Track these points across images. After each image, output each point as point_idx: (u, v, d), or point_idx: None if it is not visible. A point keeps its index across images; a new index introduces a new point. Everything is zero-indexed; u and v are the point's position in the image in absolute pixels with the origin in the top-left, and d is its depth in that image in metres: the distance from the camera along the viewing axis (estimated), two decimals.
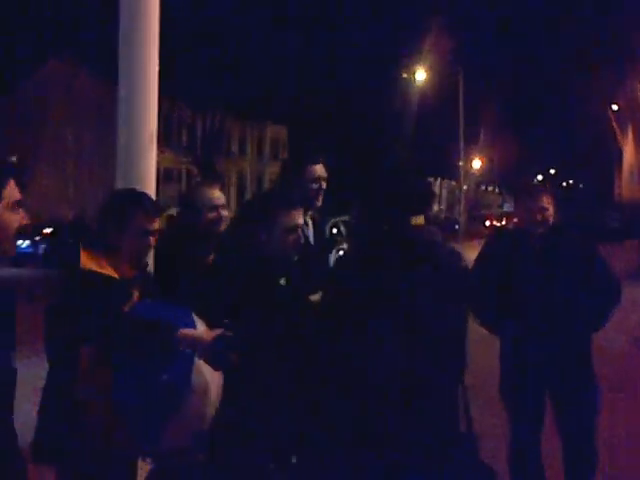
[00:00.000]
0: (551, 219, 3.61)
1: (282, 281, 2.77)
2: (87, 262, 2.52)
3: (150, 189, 3.15)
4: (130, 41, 3.22)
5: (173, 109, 31.49)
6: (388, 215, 2.25)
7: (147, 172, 3.22)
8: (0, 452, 1.99)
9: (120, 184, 3.12)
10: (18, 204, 2.12)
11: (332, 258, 3.98)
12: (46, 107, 37.06)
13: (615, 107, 45.85)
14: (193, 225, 3.17)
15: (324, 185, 3.59)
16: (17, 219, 2.11)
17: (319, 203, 3.59)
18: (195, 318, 2.41)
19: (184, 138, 38.09)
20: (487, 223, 41.56)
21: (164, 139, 35.00)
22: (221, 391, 2.41)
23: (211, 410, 2.37)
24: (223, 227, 3.23)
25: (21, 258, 19.25)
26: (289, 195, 2.86)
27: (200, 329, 2.35)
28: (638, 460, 4.61)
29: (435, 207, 70.56)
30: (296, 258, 2.78)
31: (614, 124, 47.53)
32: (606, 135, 49.02)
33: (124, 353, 2.32)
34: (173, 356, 2.27)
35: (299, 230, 2.75)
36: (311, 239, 3.54)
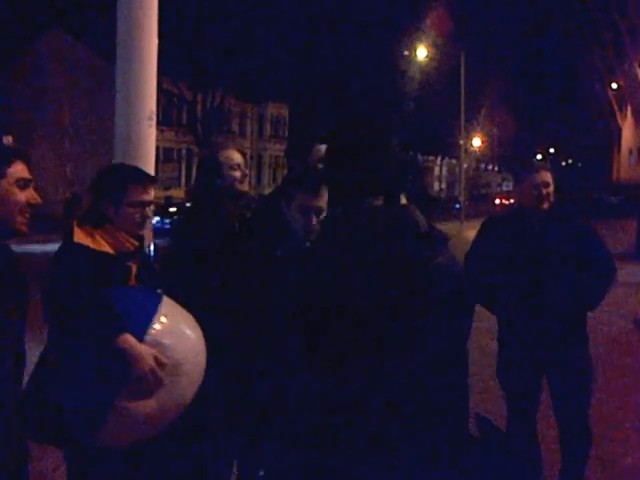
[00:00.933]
0: (552, 196, 3.56)
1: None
2: (81, 238, 2.50)
3: (149, 169, 3.17)
4: (129, 18, 3.19)
5: (173, 88, 31.39)
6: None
7: (146, 152, 3.24)
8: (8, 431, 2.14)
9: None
10: (26, 183, 2.22)
11: None
12: (43, 84, 36.81)
13: (615, 86, 45.68)
14: (217, 185, 3.25)
15: None
16: (25, 197, 2.20)
17: None
18: (163, 308, 2.38)
19: (184, 117, 37.99)
20: (497, 201, 41.28)
21: (164, 118, 34.91)
22: (200, 372, 2.39)
23: (183, 396, 2.34)
24: (245, 184, 3.36)
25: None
26: (309, 176, 2.92)
27: (144, 346, 2.27)
28: (636, 440, 4.64)
29: (436, 186, 70.44)
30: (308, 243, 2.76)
31: (613, 103, 47.41)
32: (606, 114, 48.91)
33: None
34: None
35: (313, 212, 2.74)
36: None
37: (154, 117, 3.29)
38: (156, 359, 2.24)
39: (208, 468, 3.13)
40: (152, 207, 2.74)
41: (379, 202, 1.92)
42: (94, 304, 2.27)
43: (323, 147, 3.42)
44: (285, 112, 48.43)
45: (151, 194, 2.70)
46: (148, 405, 2.24)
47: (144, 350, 2.24)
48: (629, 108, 46.23)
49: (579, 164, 68.59)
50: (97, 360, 2.24)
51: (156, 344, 2.27)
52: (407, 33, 36.34)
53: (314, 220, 2.75)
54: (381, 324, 1.79)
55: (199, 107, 34.24)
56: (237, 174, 3.29)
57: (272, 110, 47.95)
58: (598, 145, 52.16)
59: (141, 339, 2.26)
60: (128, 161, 3.09)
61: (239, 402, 2.70)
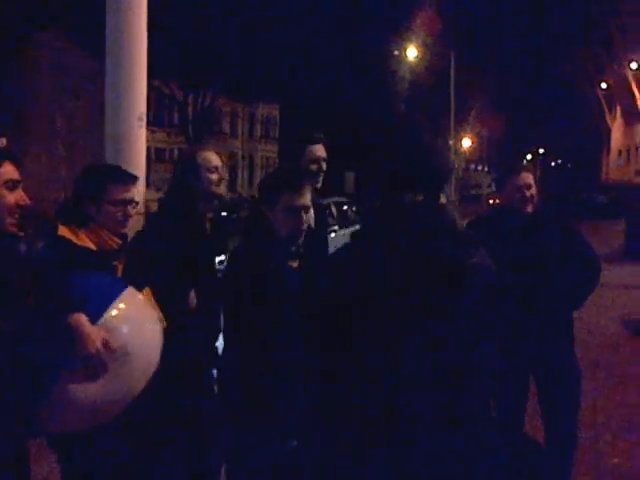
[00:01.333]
0: (536, 197, 3.54)
1: (294, 264, 2.74)
2: (65, 233, 2.54)
3: (140, 170, 3.20)
4: (118, 19, 3.19)
5: (164, 88, 31.37)
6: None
7: (137, 152, 3.26)
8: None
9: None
10: (15, 184, 2.23)
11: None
12: (34, 84, 36.70)
13: (604, 86, 45.95)
14: (192, 186, 3.20)
15: (324, 166, 3.53)
16: (14, 198, 2.21)
17: (319, 184, 3.54)
18: (124, 296, 2.37)
19: (175, 118, 37.95)
20: (491, 202, 41.41)
21: (155, 119, 34.89)
22: (154, 361, 2.38)
23: (129, 386, 2.31)
24: (222, 188, 3.30)
25: None
26: (291, 175, 2.85)
27: (94, 327, 2.25)
28: (624, 441, 4.64)
29: None
30: (300, 241, 2.74)
31: (603, 103, 47.71)
32: (595, 114, 49.21)
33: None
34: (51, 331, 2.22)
35: (302, 211, 2.71)
36: (312, 222, 3.44)
37: (144, 118, 3.31)
38: (105, 342, 2.22)
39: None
40: (135, 205, 2.77)
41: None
42: (53, 283, 2.27)
43: (315, 147, 3.50)
44: (276, 112, 48.46)
45: (133, 192, 2.74)
46: (91, 390, 2.21)
47: (93, 331, 2.22)
48: (618, 108, 46.54)
49: (569, 164, 68.94)
50: (45, 338, 2.22)
51: (108, 329, 2.25)
52: (397, 33, 36.44)
53: (304, 219, 2.72)
54: (414, 322, 1.77)
55: (190, 107, 34.22)
56: (214, 177, 3.24)
57: (263, 110, 47.96)
58: (588, 145, 52.47)
59: (94, 321, 2.24)
60: (119, 162, 3.09)
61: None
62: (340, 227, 12.69)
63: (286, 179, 2.76)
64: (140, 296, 2.48)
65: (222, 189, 3.30)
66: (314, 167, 3.47)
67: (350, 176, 47.76)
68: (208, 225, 3.28)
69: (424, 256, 1.80)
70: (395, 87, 39.53)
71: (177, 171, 3.36)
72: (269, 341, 2.53)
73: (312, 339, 1.88)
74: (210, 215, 3.31)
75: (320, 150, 3.53)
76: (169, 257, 3.01)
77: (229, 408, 2.67)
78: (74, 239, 2.53)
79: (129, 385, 2.29)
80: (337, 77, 40.20)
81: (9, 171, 2.23)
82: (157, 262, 2.95)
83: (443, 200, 1.97)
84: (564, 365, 3.53)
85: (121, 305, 2.34)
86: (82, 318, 2.22)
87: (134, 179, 2.79)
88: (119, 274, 2.65)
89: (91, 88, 31.75)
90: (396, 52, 35.82)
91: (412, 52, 34.12)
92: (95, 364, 2.20)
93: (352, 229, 10.50)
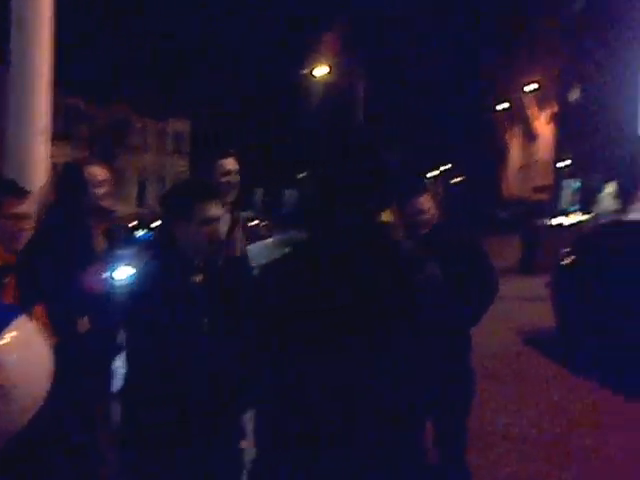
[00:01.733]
0: (434, 219, 3.52)
1: (197, 278, 2.65)
2: None
3: (41, 183, 3.21)
4: (23, 34, 3.18)
5: (72, 102, 30.65)
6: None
7: (38, 167, 3.25)
8: None
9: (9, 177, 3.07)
10: None
11: None
12: None
13: (505, 105, 48.14)
14: (80, 201, 3.20)
15: (235, 179, 3.57)
16: None
17: (231, 197, 3.57)
18: (15, 324, 2.18)
19: (84, 132, 37.03)
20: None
21: (64, 132, 33.85)
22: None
23: (11, 421, 2.12)
24: (110, 201, 3.30)
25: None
26: (202, 187, 2.80)
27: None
28: (519, 451, 4.76)
29: None
30: (213, 252, 2.71)
31: (502, 123, 49.99)
32: (495, 133, 51.44)
33: None
34: None
35: (215, 223, 2.65)
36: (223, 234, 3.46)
37: (47, 132, 3.28)
38: None
39: None
40: (29, 220, 2.72)
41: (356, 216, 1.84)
42: None
43: (226, 161, 3.56)
44: (187, 128, 48.00)
45: (28, 207, 2.69)
46: None
47: None
48: (516, 128, 48.93)
49: (471, 180, 71.36)
50: None
51: None
52: (304, 52, 37.06)
53: (216, 230, 2.69)
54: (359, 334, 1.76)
55: (99, 122, 33.53)
56: (101, 191, 3.25)
57: (174, 126, 47.42)
58: (488, 161, 54.55)
59: None
60: (20, 176, 3.09)
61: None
62: (248, 242, 12.69)
63: (196, 190, 2.70)
64: (30, 324, 2.29)
65: (110, 202, 3.31)
66: (225, 180, 3.51)
67: (259, 191, 47.83)
68: (102, 238, 3.31)
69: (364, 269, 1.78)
70: (304, 104, 40.09)
71: (61, 186, 3.30)
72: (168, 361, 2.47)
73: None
74: (103, 227, 3.33)
75: (231, 164, 3.58)
76: (58, 272, 2.96)
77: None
78: None
79: (14, 419, 2.12)
80: (247, 93, 40.37)
81: None
82: (46, 278, 2.89)
83: (386, 218, 1.94)
84: (457, 381, 3.45)
85: (12, 333, 2.15)
86: None
87: (28, 193, 2.76)
88: (10, 291, 2.57)
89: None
90: (304, 71, 36.34)
91: (320, 71, 34.70)
92: None
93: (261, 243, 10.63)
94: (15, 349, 2.14)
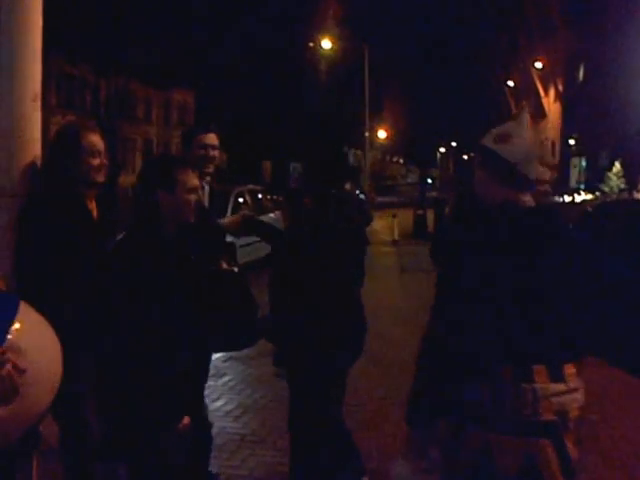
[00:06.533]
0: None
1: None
2: None
3: (34, 152, 3.07)
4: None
5: (75, 71, 30.55)
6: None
7: (31, 135, 3.09)
8: None
9: (1, 148, 2.98)
10: None
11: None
12: None
13: (511, 83, 47.81)
14: (70, 169, 3.02)
15: (213, 153, 3.66)
16: None
17: (208, 169, 3.68)
18: (19, 314, 2.24)
19: (87, 101, 36.98)
20: None
21: (66, 103, 33.83)
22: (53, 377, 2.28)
23: (37, 404, 2.23)
24: (102, 175, 3.08)
25: None
26: (180, 159, 2.92)
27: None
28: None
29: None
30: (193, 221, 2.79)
31: (510, 99, 49.68)
32: (503, 111, 51.16)
33: None
34: None
35: (197, 192, 2.79)
36: (205, 204, 3.61)
37: (38, 99, 3.13)
38: (14, 365, 2.10)
39: None
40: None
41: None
42: None
43: (206, 136, 3.63)
44: (192, 99, 47.88)
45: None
46: (4, 410, 2.09)
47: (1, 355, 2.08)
48: (525, 105, 48.58)
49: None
50: None
51: (14, 350, 2.13)
52: (311, 24, 36.79)
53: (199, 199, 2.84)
54: None
55: (103, 92, 33.46)
56: (96, 162, 3.04)
57: (178, 97, 47.32)
58: None
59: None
60: (12, 145, 3.00)
61: None
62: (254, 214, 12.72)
63: (176, 162, 2.82)
64: (31, 308, 2.33)
65: (102, 176, 3.08)
66: (201, 152, 3.61)
67: (267, 165, 47.86)
68: (94, 208, 3.15)
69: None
70: (310, 78, 39.88)
71: (55, 151, 3.10)
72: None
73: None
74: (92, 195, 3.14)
75: (210, 138, 3.66)
76: (54, 246, 2.90)
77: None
78: None
79: (38, 404, 2.23)
80: (253, 66, 40.14)
81: None
82: (40, 252, 2.88)
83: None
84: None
85: (20, 322, 2.21)
86: None
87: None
88: None
89: None
90: (310, 44, 36.13)
91: (327, 44, 34.50)
92: (7, 388, 2.08)
93: (266, 217, 10.68)
94: (30, 334, 2.22)
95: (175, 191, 2.69)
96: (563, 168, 38.19)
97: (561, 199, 20.33)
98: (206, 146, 3.65)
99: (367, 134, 37.36)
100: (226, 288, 3.17)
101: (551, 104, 45.06)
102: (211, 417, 4.46)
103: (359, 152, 63.82)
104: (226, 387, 5.61)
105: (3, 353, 2.08)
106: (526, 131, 2.26)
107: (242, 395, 5.40)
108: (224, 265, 3.27)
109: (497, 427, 2.13)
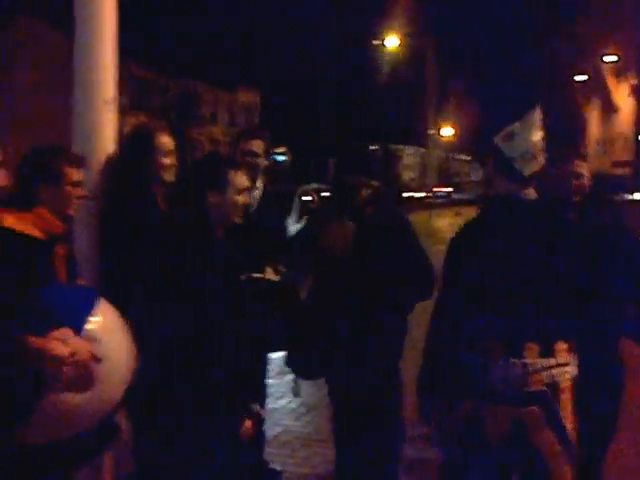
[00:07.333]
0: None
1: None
2: (7, 220, 2.43)
3: (109, 155, 3.14)
4: (86, 3, 3.16)
5: (144, 74, 31.35)
6: None
7: (106, 136, 3.18)
8: None
9: (78, 150, 3.04)
10: None
11: (297, 226, 4.21)
12: (15, 71, 36.34)
13: (582, 77, 46.39)
14: (143, 167, 3.08)
15: (255, 160, 3.65)
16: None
17: (255, 175, 3.61)
18: (98, 306, 2.31)
19: (155, 103, 37.86)
20: None
21: (136, 104, 34.74)
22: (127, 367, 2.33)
23: (113, 394, 2.28)
24: (171, 175, 3.13)
25: None
26: (231, 159, 2.96)
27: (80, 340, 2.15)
28: None
29: (405, 175, 70.77)
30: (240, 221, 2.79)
31: (579, 95, 48.20)
32: (572, 106, 49.69)
33: None
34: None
35: (247, 193, 2.77)
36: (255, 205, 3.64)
37: (113, 102, 3.23)
38: (92, 354, 2.14)
39: None
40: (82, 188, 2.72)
41: None
42: (25, 303, 2.14)
43: (253, 142, 3.68)
44: (257, 99, 48.35)
45: (81, 174, 2.69)
46: (77, 401, 2.15)
47: (81, 344, 2.13)
48: (594, 100, 47.10)
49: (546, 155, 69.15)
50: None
51: (91, 340, 2.19)
52: (376, 22, 36.59)
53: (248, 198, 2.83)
54: None
55: (171, 93, 34.21)
56: (167, 161, 3.12)
57: (244, 97, 47.85)
58: (563, 136, 52.89)
59: (77, 334, 2.15)
60: (87, 146, 3.09)
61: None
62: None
63: (227, 162, 2.84)
64: (108, 303, 2.39)
65: (171, 175, 3.15)
66: (246, 159, 3.60)
67: (332, 163, 47.85)
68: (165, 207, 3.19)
69: None
70: (375, 76, 39.72)
71: (129, 151, 3.18)
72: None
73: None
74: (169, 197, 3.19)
75: (254, 145, 3.68)
76: (133, 245, 2.92)
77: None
78: (19, 227, 2.45)
79: (112, 394, 2.29)
80: (319, 65, 40.26)
81: None
82: (119, 252, 2.93)
83: None
84: None
85: (99, 314, 2.28)
86: (69, 332, 2.11)
87: (85, 161, 2.80)
88: (62, 260, 2.59)
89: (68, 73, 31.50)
90: (375, 41, 35.94)
91: (391, 41, 34.25)
92: (83, 377, 2.13)
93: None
94: (107, 327, 2.29)
95: (225, 192, 2.67)
96: (636, 164, 36.80)
97: (631, 196, 19.50)
98: (249, 153, 3.66)
99: (432, 131, 36.98)
100: (263, 297, 3.08)
101: (624, 99, 43.50)
102: (275, 415, 4.48)
103: (422, 150, 63.20)
104: (289, 385, 5.65)
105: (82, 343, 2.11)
106: (531, 130, 2.46)
107: (305, 393, 5.43)
108: (268, 272, 3.21)
109: (488, 398, 2.35)
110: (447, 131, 53.49)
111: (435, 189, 38.00)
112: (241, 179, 2.72)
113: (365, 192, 3.10)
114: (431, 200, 32.89)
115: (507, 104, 2.66)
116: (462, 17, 44.56)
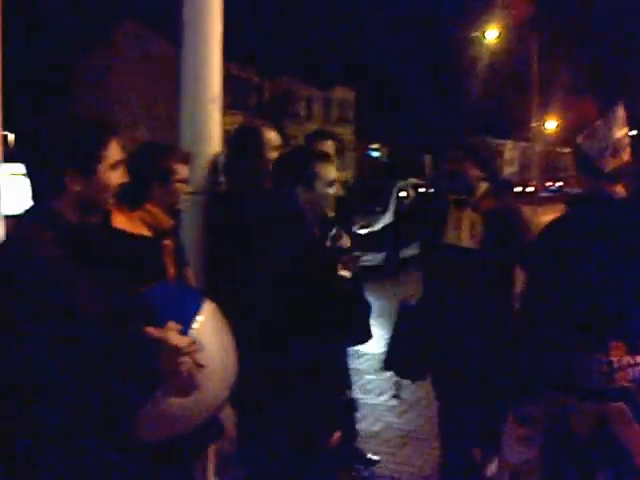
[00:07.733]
0: None
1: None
2: (117, 219, 2.47)
3: (215, 152, 3.26)
4: (195, 9, 3.27)
5: (240, 73, 32.01)
6: None
7: (211, 134, 3.29)
8: None
9: (186, 147, 3.11)
10: (119, 163, 2.11)
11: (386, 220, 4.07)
12: (117, 71, 37.96)
13: None
14: (255, 165, 3.16)
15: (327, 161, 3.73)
16: (117, 178, 2.11)
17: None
18: (203, 309, 2.25)
19: (252, 101, 38.60)
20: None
21: (233, 102, 35.55)
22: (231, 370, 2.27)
23: (216, 397, 2.23)
24: None
25: None
26: (319, 152, 2.96)
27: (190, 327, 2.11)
28: None
29: (507, 170, 68.89)
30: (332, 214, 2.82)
31: None
32: None
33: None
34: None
35: (335, 185, 2.77)
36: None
37: (218, 100, 3.35)
38: (194, 361, 2.07)
39: None
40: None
41: None
42: (136, 302, 2.11)
43: (322, 143, 3.71)
44: (352, 95, 48.44)
45: (187, 171, 2.75)
46: (181, 403, 2.11)
47: (172, 335, 2.03)
48: None
49: None
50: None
51: (195, 342, 2.11)
52: (476, 14, 35.75)
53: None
54: None
55: (266, 92, 34.79)
56: (274, 156, 3.20)
57: (339, 94, 48.03)
58: None
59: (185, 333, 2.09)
60: (194, 144, 3.21)
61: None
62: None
63: (317, 155, 2.84)
64: (214, 306, 2.33)
65: None
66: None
67: (428, 159, 47.35)
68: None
69: None
70: (473, 69, 38.85)
71: (238, 148, 3.28)
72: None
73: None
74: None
75: (324, 146, 3.70)
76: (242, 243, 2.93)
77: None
78: (129, 227, 2.49)
79: (214, 399, 2.24)
80: (413, 62, 39.84)
81: (116, 151, 2.11)
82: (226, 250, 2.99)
83: None
84: None
85: (204, 318, 2.23)
86: (179, 327, 2.07)
87: (191, 157, 2.88)
88: (171, 253, 2.63)
89: (172, 75, 32.57)
90: (475, 34, 35.12)
91: (492, 34, 33.33)
92: (186, 383, 2.07)
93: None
94: (212, 331, 2.23)
95: (314, 185, 2.69)
96: None
97: None
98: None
99: (535, 125, 35.82)
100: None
101: None
102: (376, 412, 4.39)
103: (523, 144, 61.34)
104: (390, 383, 5.52)
105: (192, 343, 2.04)
106: (612, 128, 2.45)
107: (406, 391, 5.28)
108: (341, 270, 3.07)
109: (574, 393, 2.37)
110: (551, 124, 51.70)
111: (547, 183, 36.64)
112: (329, 171, 2.73)
113: (483, 185, 3.12)
114: (544, 195, 31.63)
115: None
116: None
